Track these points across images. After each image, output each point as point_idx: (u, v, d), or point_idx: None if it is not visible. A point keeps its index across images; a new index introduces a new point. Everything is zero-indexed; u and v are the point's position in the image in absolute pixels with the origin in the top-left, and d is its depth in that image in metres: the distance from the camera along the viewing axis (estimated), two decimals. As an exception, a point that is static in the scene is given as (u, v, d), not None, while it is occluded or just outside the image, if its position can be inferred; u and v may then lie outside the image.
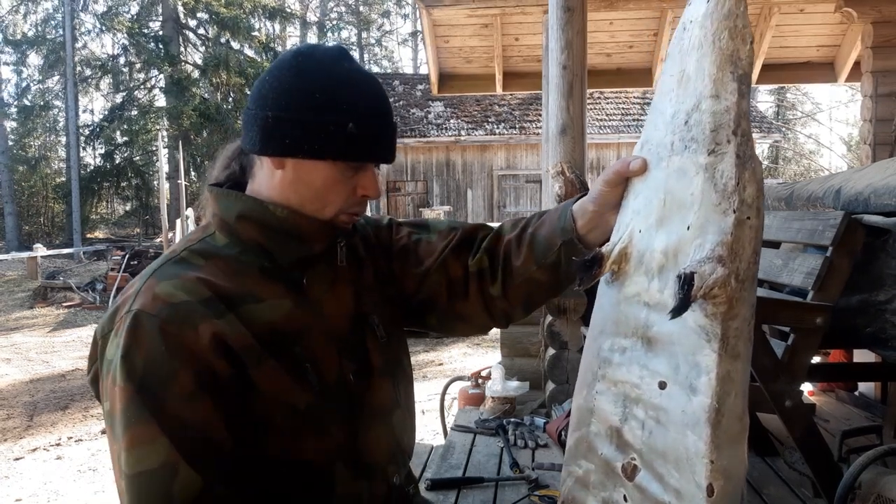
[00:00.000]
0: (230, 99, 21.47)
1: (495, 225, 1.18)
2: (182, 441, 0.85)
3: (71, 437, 4.80)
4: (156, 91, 22.58)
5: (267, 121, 0.97)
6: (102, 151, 22.66)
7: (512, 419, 2.97)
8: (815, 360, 3.18)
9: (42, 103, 23.22)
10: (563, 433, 2.58)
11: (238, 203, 1.00)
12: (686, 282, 0.78)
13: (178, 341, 0.87)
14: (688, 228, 0.82)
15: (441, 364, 7.05)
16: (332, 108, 0.96)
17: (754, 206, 0.79)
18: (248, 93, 1.49)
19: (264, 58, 21.23)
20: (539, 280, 1.08)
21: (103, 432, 4.89)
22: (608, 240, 0.97)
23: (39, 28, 22.95)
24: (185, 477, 0.84)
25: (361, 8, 29.68)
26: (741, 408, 0.81)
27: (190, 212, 11.21)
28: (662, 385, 0.84)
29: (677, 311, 0.79)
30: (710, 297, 0.78)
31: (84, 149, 22.22)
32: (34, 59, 23.26)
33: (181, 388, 0.86)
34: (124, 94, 22.28)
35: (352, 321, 1.06)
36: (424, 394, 5.53)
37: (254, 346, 0.91)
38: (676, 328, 0.82)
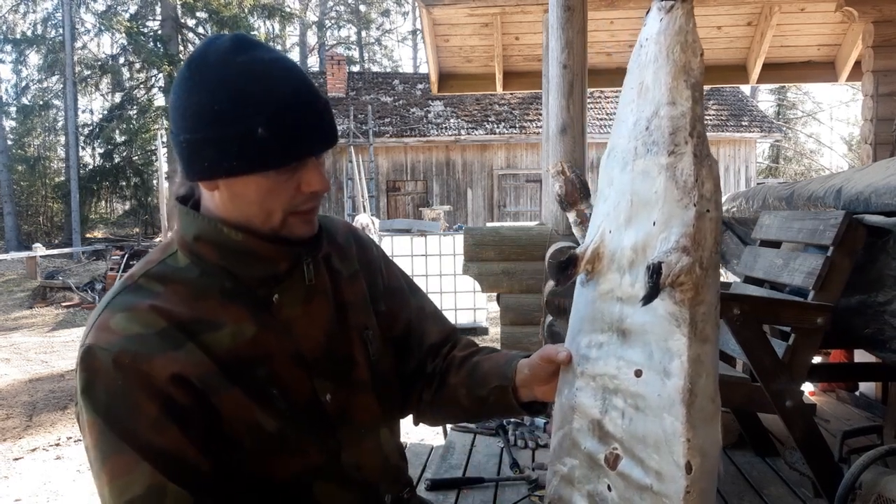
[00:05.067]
0: (230, 98, 21.41)
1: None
2: (161, 463, 0.83)
3: (70, 437, 4.80)
4: (155, 90, 22.54)
5: (182, 146, 0.91)
6: (102, 151, 22.62)
7: (512, 419, 2.96)
8: (816, 359, 3.18)
9: (41, 103, 23.20)
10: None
11: (195, 224, 0.94)
12: (654, 271, 0.85)
13: (134, 373, 0.85)
14: (654, 224, 0.89)
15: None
16: (236, 116, 0.86)
17: (713, 199, 0.87)
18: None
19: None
20: (462, 404, 1.13)
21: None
22: (535, 399, 1.06)
23: (39, 27, 22.91)
24: (175, 495, 0.83)
25: (361, 7, 29.66)
26: (713, 389, 0.87)
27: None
28: (638, 373, 0.89)
29: (648, 299, 0.86)
30: (678, 285, 0.85)
31: (83, 148, 22.19)
32: (33, 58, 23.28)
33: (146, 417, 0.84)
34: (123, 93, 22.26)
35: (330, 338, 1.02)
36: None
37: (215, 375, 0.89)
38: (649, 317, 0.88)
